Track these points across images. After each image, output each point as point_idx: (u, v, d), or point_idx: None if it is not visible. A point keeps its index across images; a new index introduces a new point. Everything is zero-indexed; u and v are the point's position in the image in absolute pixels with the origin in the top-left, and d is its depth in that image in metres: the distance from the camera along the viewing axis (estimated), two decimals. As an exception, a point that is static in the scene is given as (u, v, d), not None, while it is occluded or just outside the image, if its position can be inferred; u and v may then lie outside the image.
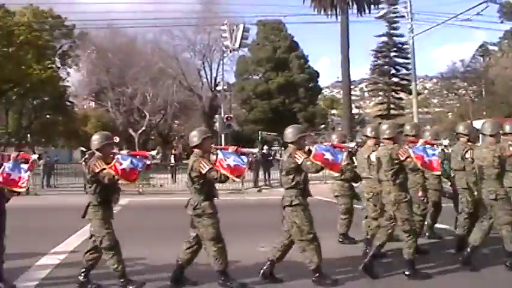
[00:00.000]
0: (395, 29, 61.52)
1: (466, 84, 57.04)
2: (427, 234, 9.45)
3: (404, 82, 62.50)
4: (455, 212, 9.08)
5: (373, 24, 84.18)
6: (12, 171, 6.55)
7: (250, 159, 7.35)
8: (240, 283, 6.72)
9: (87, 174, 6.65)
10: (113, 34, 38.07)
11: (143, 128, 35.22)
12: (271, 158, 27.34)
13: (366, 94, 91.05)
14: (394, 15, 51.75)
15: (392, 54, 65.07)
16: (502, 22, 55.81)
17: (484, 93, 53.80)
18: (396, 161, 7.03)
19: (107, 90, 37.48)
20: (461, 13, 30.73)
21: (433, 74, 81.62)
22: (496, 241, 7.59)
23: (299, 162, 6.64)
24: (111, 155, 6.70)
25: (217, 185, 6.71)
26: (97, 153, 6.63)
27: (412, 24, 32.26)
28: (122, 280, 6.46)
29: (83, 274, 6.58)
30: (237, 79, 56.59)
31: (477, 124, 28.35)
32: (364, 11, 32.34)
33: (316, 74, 60.79)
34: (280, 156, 32.33)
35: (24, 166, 6.67)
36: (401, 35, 60.87)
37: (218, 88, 30.43)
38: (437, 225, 9.69)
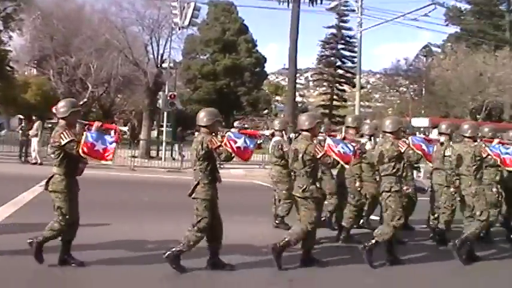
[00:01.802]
0: (345, 22, 62.20)
1: (407, 82, 58.37)
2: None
3: (349, 75, 63.42)
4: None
5: (324, 15, 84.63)
6: (96, 142, 6.29)
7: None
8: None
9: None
10: (60, 0, 36.99)
11: (85, 100, 34.35)
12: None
13: (311, 83, 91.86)
14: (345, 8, 52.52)
15: (340, 46, 65.78)
16: (447, 25, 57.63)
17: (424, 92, 55.17)
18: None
19: (50, 58, 36.34)
20: (409, 12, 31.55)
21: (377, 70, 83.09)
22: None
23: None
24: (221, 134, 6.77)
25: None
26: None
27: (361, 18, 32.81)
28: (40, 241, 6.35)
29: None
30: (183, 58, 55.97)
31: (415, 122, 28.95)
32: (316, 1, 32.70)
33: (263, 59, 60.89)
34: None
35: (109, 138, 6.43)
36: (350, 29, 61.71)
37: (164, 65, 29.88)
38: (372, 217, 9.96)
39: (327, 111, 62.44)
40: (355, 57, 51.97)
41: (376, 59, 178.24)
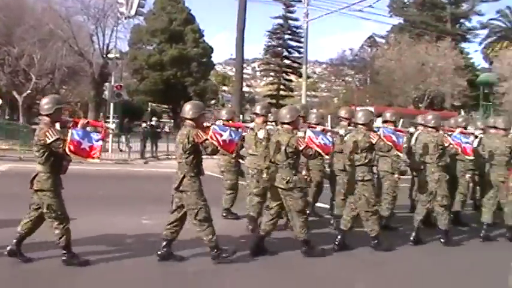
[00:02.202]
0: (292, 12, 62.69)
1: (353, 72, 59.38)
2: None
3: (296, 65, 63.99)
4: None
5: (271, 6, 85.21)
6: (82, 140, 6.16)
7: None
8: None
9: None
10: (1, -13, 36.01)
11: (28, 91, 33.49)
12: (159, 130, 27.19)
13: (258, 74, 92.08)
14: (292, -2, 52.96)
15: (287, 36, 66.26)
16: (391, 16, 58.79)
17: (368, 81, 56.20)
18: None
19: (-9, 49, 35.42)
20: (355, 3, 32.13)
21: (323, 60, 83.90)
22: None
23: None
24: (206, 127, 6.70)
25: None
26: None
27: (307, 9, 33.23)
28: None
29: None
30: (130, 48, 55.28)
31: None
32: (263, -9, 32.81)
33: (211, 50, 60.67)
34: (169, 129, 32.14)
35: (95, 135, 6.31)
36: (296, 19, 62.14)
37: (110, 55, 29.52)
38: (318, 204, 10.20)
39: (274, 101, 62.82)
40: (301, 47, 52.70)
41: (322, 49, 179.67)
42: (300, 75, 51.18)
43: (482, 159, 9.36)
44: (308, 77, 44.51)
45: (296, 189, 7.19)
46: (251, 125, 8.38)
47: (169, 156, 23.28)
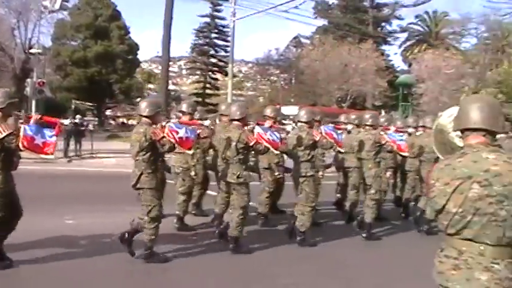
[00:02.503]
0: (219, 11, 62.62)
1: (278, 71, 60.10)
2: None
3: (222, 64, 63.94)
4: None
5: (199, 4, 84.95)
6: (36, 136, 6.03)
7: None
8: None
9: None
10: None
11: None
12: (83, 128, 26.65)
13: (184, 72, 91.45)
14: (219, -3, 53.05)
15: (213, 35, 66.13)
16: (315, 18, 59.97)
17: (293, 81, 57.08)
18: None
19: None
20: (281, 4, 32.60)
21: (249, 59, 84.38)
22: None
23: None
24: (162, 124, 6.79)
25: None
26: None
27: (234, 8, 33.43)
28: None
29: None
30: (53, 43, 53.76)
31: (285, 110, 29.95)
32: (190, -10, 32.76)
33: (136, 47, 59.80)
34: (94, 128, 31.51)
35: (48, 131, 6.20)
36: (223, 18, 62.10)
37: (32, 51, 28.69)
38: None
39: (199, 99, 62.63)
40: (228, 46, 52.82)
41: (248, 49, 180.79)
42: (226, 74, 51.28)
43: (409, 157, 10.05)
44: (234, 76, 44.68)
45: (244, 184, 7.48)
46: (206, 122, 8.57)
47: (93, 155, 22.96)
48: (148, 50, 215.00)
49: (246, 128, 7.66)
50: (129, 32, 58.57)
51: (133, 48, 58.63)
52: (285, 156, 9.46)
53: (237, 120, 7.57)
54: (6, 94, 6.22)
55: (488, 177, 2.76)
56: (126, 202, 7.21)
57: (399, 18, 64.48)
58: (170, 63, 34.69)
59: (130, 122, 61.62)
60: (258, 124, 8.14)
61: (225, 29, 61.91)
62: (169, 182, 9.20)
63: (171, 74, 43.42)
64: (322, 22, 61.90)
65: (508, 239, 2.77)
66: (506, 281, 2.76)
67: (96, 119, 53.76)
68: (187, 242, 8.04)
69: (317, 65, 47.77)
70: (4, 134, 5.87)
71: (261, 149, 7.54)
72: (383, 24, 64.65)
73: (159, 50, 32.30)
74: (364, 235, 8.95)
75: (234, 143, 7.40)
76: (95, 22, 55.20)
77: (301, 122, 8.36)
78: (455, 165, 2.89)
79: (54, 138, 6.32)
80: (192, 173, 8.87)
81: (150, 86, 79.58)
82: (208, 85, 66.79)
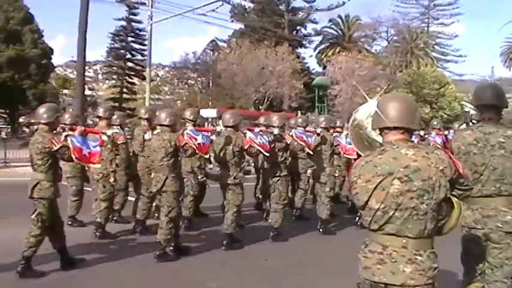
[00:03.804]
0: (135, 14, 61.75)
1: (196, 74, 60.01)
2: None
3: (139, 68, 63.20)
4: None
5: (114, 7, 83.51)
6: (82, 146, 6.35)
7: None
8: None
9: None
10: None
11: None
12: (-6, 136, 25.65)
13: (100, 76, 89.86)
14: (135, 0, 52.36)
15: (130, 39, 65.19)
16: (232, 21, 60.37)
17: (211, 84, 57.17)
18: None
19: None
20: (198, 7, 32.70)
21: (166, 63, 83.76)
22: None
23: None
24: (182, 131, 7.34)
25: None
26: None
27: (151, 11, 33.21)
28: None
29: None
30: (-39, 48, 51.41)
31: (204, 113, 30.26)
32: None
33: (50, 51, 58.10)
34: (6, 135, 30.58)
35: (92, 142, 6.58)
36: (140, 21, 61.35)
37: None
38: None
39: (117, 104, 61.64)
40: (145, 50, 52.24)
41: (166, 53, 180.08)
42: (143, 78, 50.79)
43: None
44: (151, 80, 44.33)
45: (239, 185, 8.18)
46: (219, 128, 8.74)
47: (7, 164, 22.20)
48: (62, 54, 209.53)
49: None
50: (42, 36, 56.90)
51: (47, 52, 56.95)
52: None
53: (231, 126, 8.29)
54: (53, 109, 6.70)
55: (408, 173, 2.97)
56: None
57: (314, 21, 65.86)
58: (86, 68, 33.93)
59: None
60: (248, 130, 8.64)
61: (141, 33, 61.23)
62: (87, 189, 9.08)
63: (87, 79, 42.57)
64: (238, 25, 62.39)
65: (429, 231, 2.98)
66: (429, 271, 2.99)
67: (9, 126, 51.75)
68: (109, 250, 7.99)
69: (234, 68, 48.04)
70: (58, 146, 6.30)
71: (253, 152, 8.29)
72: (298, 27, 65.74)
73: (74, 54, 31.58)
74: (320, 230, 9.67)
75: (230, 147, 8.08)
76: (7, 26, 53.22)
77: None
78: (376, 162, 3.07)
79: (98, 148, 6.78)
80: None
81: (66, 91, 77.62)
82: (125, 89, 65.80)
